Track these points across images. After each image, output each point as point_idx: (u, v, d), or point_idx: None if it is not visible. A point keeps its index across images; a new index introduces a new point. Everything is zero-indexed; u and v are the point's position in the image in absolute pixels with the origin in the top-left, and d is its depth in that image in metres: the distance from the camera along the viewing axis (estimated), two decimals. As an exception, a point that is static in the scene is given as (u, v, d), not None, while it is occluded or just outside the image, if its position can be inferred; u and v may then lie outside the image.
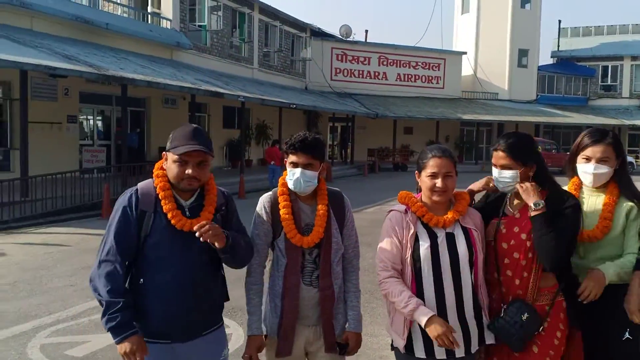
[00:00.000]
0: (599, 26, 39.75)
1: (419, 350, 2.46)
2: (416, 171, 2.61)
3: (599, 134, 2.65)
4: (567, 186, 2.77)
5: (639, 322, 2.42)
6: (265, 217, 2.58)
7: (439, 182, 2.47)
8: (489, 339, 2.51)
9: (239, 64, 23.58)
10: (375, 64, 30.68)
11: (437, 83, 32.59)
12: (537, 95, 34.93)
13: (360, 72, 30.45)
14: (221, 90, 17.11)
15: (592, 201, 2.67)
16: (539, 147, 24.60)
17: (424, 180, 2.52)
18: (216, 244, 2.26)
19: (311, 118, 26.15)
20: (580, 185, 2.73)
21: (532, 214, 2.46)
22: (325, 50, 29.11)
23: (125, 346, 2.18)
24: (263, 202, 2.62)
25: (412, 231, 2.49)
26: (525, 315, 2.50)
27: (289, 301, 2.54)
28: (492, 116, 30.71)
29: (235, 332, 4.78)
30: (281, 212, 2.54)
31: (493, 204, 2.68)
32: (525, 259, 2.56)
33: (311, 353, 2.62)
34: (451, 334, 2.30)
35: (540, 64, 35.51)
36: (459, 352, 2.42)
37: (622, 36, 37.51)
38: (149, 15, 19.90)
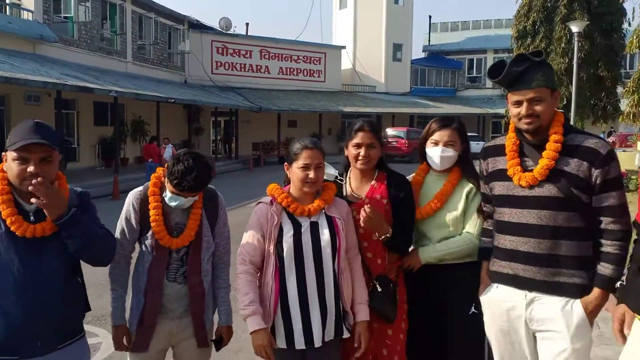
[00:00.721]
0: (465, 21, 42.72)
1: (281, 342, 2.50)
2: (285, 163, 2.63)
3: (446, 120, 2.85)
4: (416, 171, 2.95)
5: None
6: (132, 215, 2.52)
7: (311, 174, 2.51)
8: (346, 333, 2.59)
9: (110, 58, 22.26)
10: (257, 57, 30.50)
11: (319, 77, 33.17)
12: (411, 88, 36.82)
13: (242, 66, 30.12)
14: (90, 85, 16.07)
15: (436, 185, 2.84)
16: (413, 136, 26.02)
17: (296, 171, 2.54)
18: (47, 213, 2.08)
19: (192, 113, 25.42)
20: (427, 170, 2.90)
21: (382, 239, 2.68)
22: (204, 43, 28.39)
23: None
24: (131, 199, 2.55)
25: (276, 222, 2.51)
26: (391, 286, 2.72)
27: (152, 297, 2.51)
28: (371, 108, 31.90)
29: (105, 341, 4.51)
30: (151, 212, 2.48)
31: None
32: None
33: (176, 345, 2.60)
34: (270, 350, 2.42)
35: (413, 58, 37.44)
36: (318, 341, 2.49)
37: (486, 30, 40.63)
38: (7, 7, 18.15)
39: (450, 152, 2.77)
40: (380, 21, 34.65)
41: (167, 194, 2.47)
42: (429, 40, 40.85)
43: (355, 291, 2.61)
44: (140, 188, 2.58)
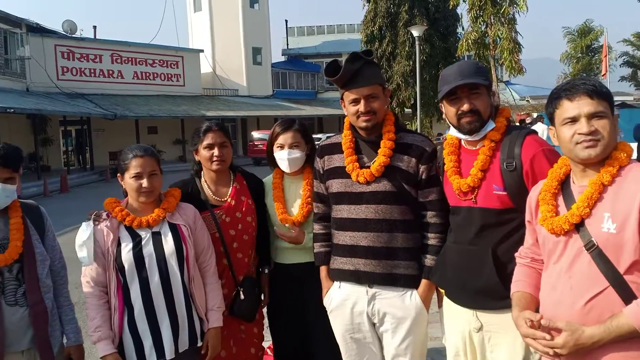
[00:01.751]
0: (321, 26, 44.20)
1: (130, 357, 2.44)
2: (118, 174, 2.54)
3: (287, 123, 2.88)
4: (273, 174, 2.96)
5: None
6: None
7: (144, 182, 2.44)
8: (201, 341, 2.57)
9: None
10: (108, 61, 28.80)
11: (178, 81, 32.26)
12: (274, 91, 37.23)
13: (92, 71, 28.27)
14: None
15: (293, 188, 2.89)
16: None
17: (129, 182, 2.47)
18: None
19: (37, 123, 23.35)
20: (282, 173, 2.92)
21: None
22: (47, 48, 26.17)
23: None
24: None
25: (112, 238, 2.43)
26: (256, 289, 2.79)
27: None
28: (235, 112, 31.77)
29: None
30: None
31: (189, 199, 2.74)
32: (251, 238, 2.82)
33: None
34: None
35: (273, 61, 37.84)
36: (170, 352, 2.44)
37: (340, 35, 42.30)
38: None
39: (297, 154, 2.80)
40: (237, 25, 34.54)
41: None
42: (287, 44, 41.62)
43: (207, 297, 2.59)
44: None
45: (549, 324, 1.74)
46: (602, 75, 23.47)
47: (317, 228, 2.68)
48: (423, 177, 2.41)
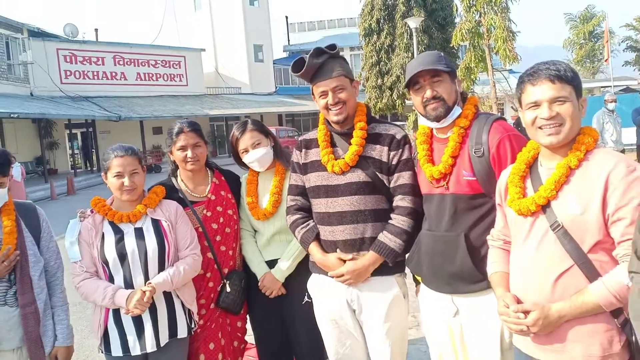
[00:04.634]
0: (321, 21, 44.09)
1: (116, 349, 2.51)
2: (102, 173, 2.63)
3: (242, 126, 2.91)
4: (246, 175, 3.01)
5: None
6: None
7: (126, 181, 2.52)
8: (182, 333, 2.62)
9: (-62, 72, 19.88)
10: (111, 64, 28.97)
11: (181, 80, 32.37)
12: (276, 87, 37.23)
13: (95, 74, 28.44)
14: None
15: (266, 184, 2.93)
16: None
17: (111, 180, 2.55)
18: None
19: (43, 127, 23.56)
20: (256, 172, 2.97)
21: None
22: (49, 52, 26.36)
23: None
24: None
25: (95, 232, 2.53)
26: (243, 282, 2.84)
27: None
28: (238, 110, 31.81)
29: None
30: None
31: (169, 197, 2.79)
32: (234, 231, 2.86)
33: None
34: (143, 293, 2.40)
35: (275, 58, 37.82)
36: (151, 346, 2.50)
37: (340, 29, 42.18)
38: None
39: (262, 151, 2.83)
40: (238, 22, 34.54)
41: None
42: (288, 40, 41.58)
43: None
44: None
45: (518, 309, 1.82)
46: (605, 61, 23.34)
47: (296, 217, 2.66)
48: (393, 162, 2.45)
